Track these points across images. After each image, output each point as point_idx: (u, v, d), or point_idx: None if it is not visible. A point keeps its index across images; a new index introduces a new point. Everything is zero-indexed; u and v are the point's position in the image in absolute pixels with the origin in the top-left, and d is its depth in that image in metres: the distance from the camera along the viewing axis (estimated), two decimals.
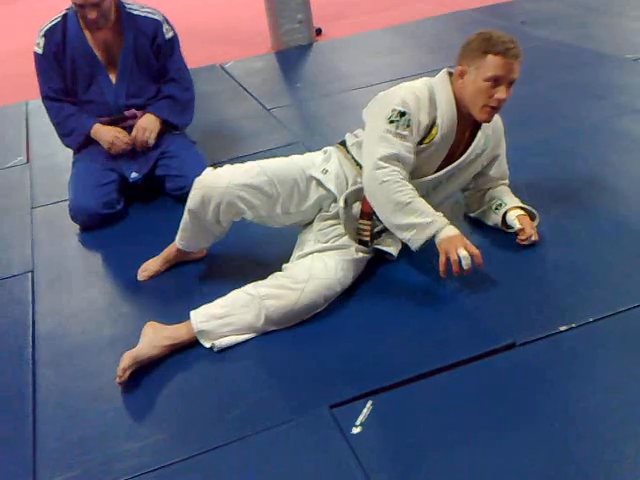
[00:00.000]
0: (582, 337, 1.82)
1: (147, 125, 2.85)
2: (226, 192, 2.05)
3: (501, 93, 1.96)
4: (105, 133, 2.84)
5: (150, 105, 2.89)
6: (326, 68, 4.58)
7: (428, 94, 2.07)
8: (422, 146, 2.06)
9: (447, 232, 1.97)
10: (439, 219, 1.99)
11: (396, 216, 1.99)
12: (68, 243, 2.68)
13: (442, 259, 1.97)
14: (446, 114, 2.06)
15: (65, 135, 2.91)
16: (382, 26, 5.23)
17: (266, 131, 3.52)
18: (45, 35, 2.77)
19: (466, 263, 1.93)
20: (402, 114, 2.01)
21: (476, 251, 1.95)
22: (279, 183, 2.10)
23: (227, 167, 2.14)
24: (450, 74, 2.11)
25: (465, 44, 2.04)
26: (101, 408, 1.82)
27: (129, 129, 2.88)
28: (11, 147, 3.77)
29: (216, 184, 2.07)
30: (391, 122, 2.01)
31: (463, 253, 1.93)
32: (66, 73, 2.81)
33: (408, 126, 2.02)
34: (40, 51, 2.79)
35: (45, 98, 2.88)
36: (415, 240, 1.99)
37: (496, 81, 1.96)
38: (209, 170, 2.14)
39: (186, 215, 2.17)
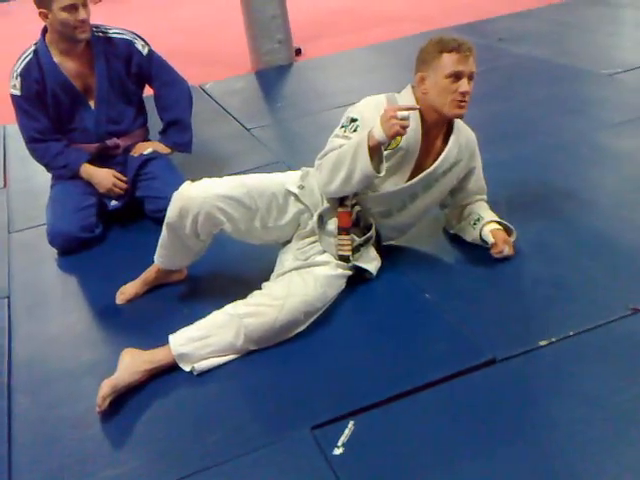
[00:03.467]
0: (562, 351, 1.82)
1: (150, 146, 2.94)
2: (204, 203, 2.03)
3: (464, 86, 2.00)
4: (102, 178, 2.81)
5: (130, 132, 2.91)
6: (306, 88, 4.60)
7: (387, 101, 2.11)
8: (388, 152, 2.06)
9: (373, 129, 1.93)
10: (357, 137, 1.98)
11: (339, 173, 2.00)
12: (46, 268, 2.65)
13: (389, 126, 1.89)
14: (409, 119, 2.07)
15: (57, 170, 2.86)
16: (361, 45, 5.28)
17: (247, 151, 3.52)
18: (21, 75, 2.68)
19: (403, 116, 1.88)
20: (353, 120, 2.09)
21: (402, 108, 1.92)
22: (258, 196, 2.10)
23: (205, 180, 2.13)
24: (413, 87, 2.14)
25: (419, 53, 2.10)
26: (79, 435, 1.79)
27: (112, 159, 2.88)
28: None
29: (194, 195, 2.05)
30: (342, 127, 2.11)
31: (400, 114, 1.89)
32: (48, 109, 2.75)
33: (355, 130, 2.06)
34: (18, 93, 2.71)
35: (30, 142, 2.81)
36: (364, 163, 1.94)
37: (456, 76, 2.00)
38: (187, 183, 2.12)
39: (164, 230, 2.15)
